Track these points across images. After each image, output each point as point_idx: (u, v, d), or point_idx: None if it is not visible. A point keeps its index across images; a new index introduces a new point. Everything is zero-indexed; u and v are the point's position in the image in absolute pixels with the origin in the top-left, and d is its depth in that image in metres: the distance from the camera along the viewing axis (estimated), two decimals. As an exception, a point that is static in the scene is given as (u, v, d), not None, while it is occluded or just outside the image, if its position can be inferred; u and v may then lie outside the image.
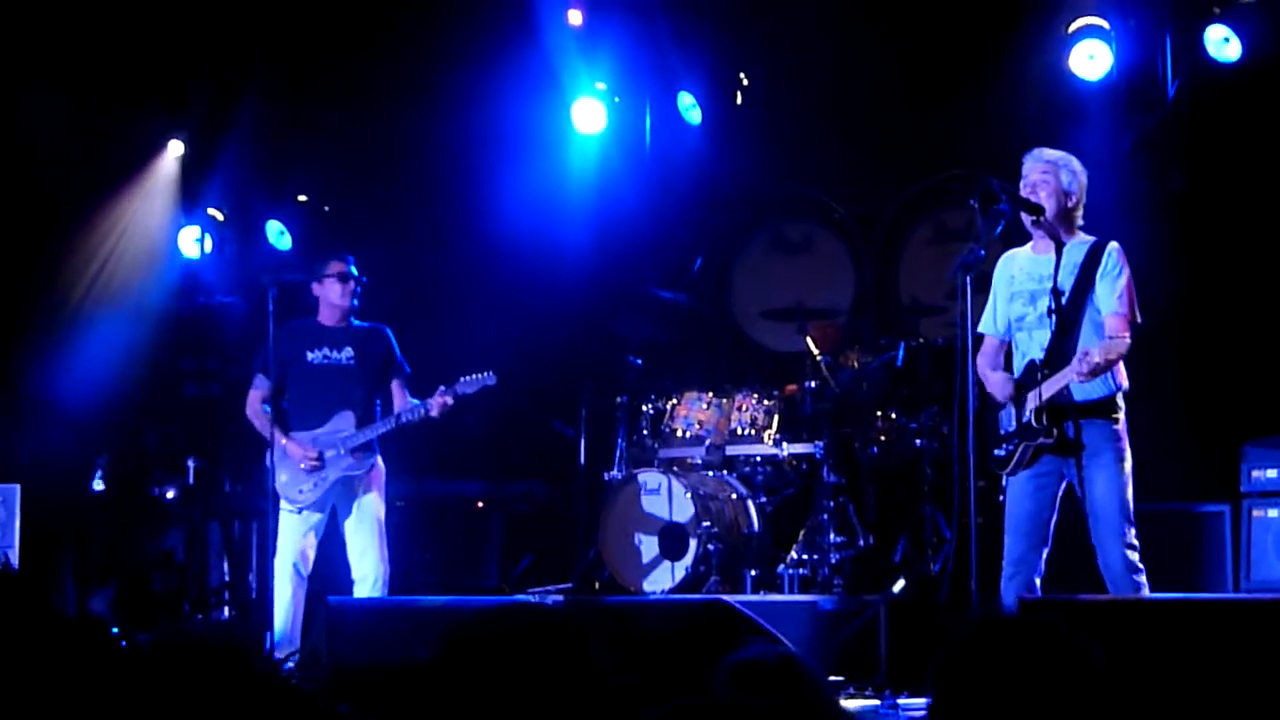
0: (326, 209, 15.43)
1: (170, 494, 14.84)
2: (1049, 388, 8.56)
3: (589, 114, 14.17)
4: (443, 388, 10.55)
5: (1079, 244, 8.78)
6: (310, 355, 10.77)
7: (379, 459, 10.77)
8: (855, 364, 12.47)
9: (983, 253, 8.68)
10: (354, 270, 10.87)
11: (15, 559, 13.69)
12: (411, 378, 10.77)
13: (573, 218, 14.34)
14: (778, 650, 3.79)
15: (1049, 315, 8.68)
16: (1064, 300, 8.64)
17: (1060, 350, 8.63)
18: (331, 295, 10.81)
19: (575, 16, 14.10)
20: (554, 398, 13.68)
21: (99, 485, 15.10)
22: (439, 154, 14.60)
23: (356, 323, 10.89)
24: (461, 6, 13.93)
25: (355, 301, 10.83)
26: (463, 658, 3.47)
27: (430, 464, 13.60)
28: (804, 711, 3.57)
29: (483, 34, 13.97)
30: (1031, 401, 8.63)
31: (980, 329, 9.01)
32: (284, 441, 10.69)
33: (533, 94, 14.24)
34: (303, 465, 10.56)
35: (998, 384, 8.90)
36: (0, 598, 2.59)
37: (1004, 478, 8.86)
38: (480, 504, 14.12)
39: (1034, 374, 8.66)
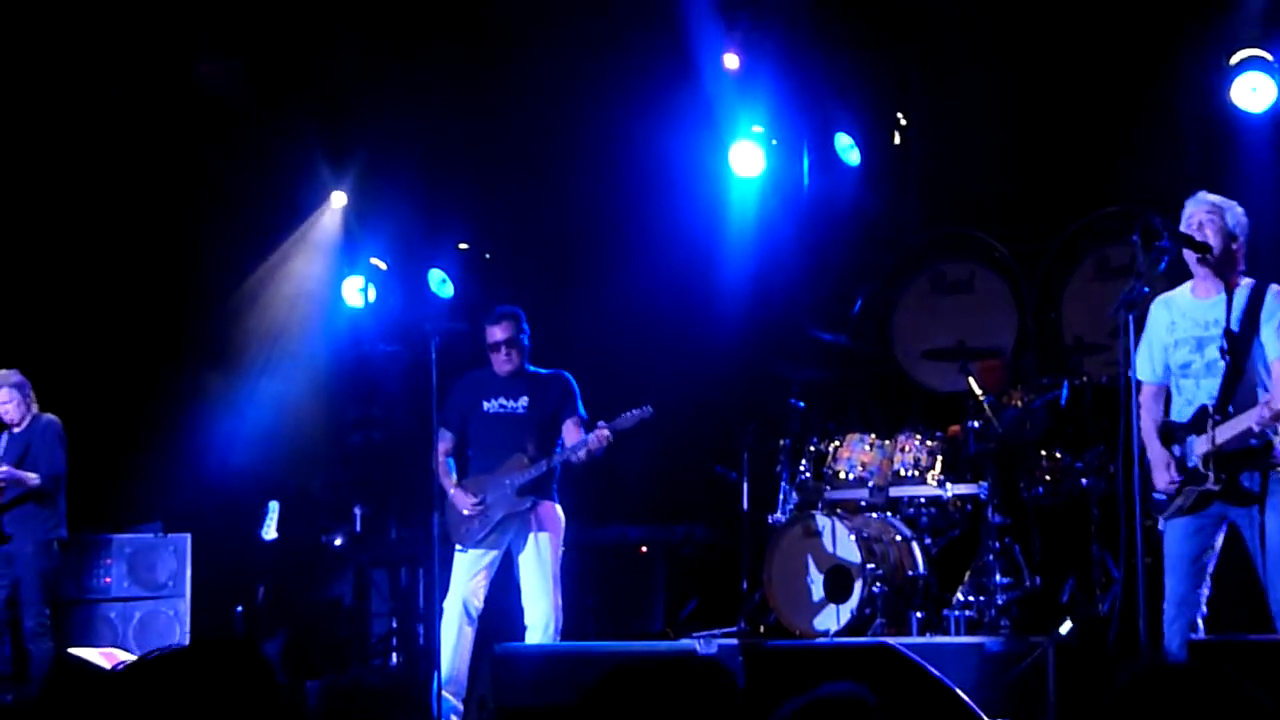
0: (488, 256, 15.55)
1: (338, 541, 14.99)
2: (1223, 434, 8.44)
3: (747, 157, 14.19)
4: (602, 423, 10.63)
5: (1243, 287, 8.66)
6: (486, 405, 10.97)
7: (552, 503, 10.86)
8: (1019, 403, 12.33)
9: (1146, 289, 8.57)
10: (514, 328, 10.98)
11: (188, 607, 13.92)
12: (588, 422, 10.84)
13: (732, 260, 14.34)
14: (848, 690, 3.75)
15: (1221, 359, 8.55)
16: (1234, 345, 8.52)
17: (1232, 396, 8.51)
18: (494, 361, 11.00)
19: (732, 60, 14.13)
20: (716, 441, 13.67)
21: (268, 533, 15.27)
22: (598, 198, 14.67)
23: (533, 369, 11.04)
24: (620, 52, 13.98)
25: (523, 360, 10.99)
26: (609, 703, 3.47)
27: (593, 509, 13.64)
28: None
29: (641, 79, 14.02)
30: (1201, 447, 8.51)
31: (1138, 375, 8.86)
32: (452, 490, 10.86)
33: (691, 137, 14.28)
34: (465, 511, 10.73)
35: (1158, 462, 8.75)
36: (232, 670, 2.62)
37: (1160, 520, 8.75)
38: (644, 549, 14.14)
39: (1204, 420, 8.54)
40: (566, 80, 14.19)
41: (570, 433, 10.89)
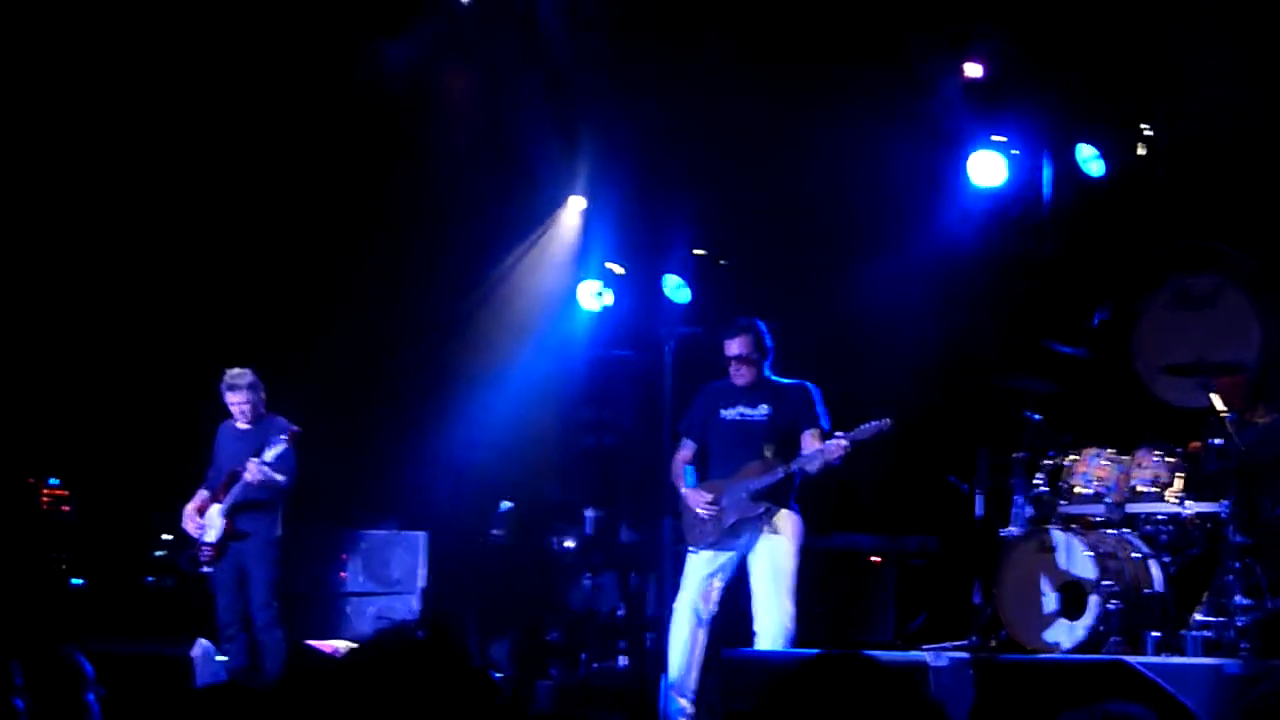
0: (723, 262, 15.56)
1: (568, 543, 15.08)
2: None
3: (987, 167, 14.06)
4: (839, 433, 10.59)
5: None
6: (725, 412, 11.04)
7: (787, 510, 10.84)
8: (1262, 420, 12.07)
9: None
10: (750, 344, 10.97)
11: (418, 603, 14.09)
12: (829, 432, 10.80)
13: (969, 270, 14.21)
14: (1139, 713, 3.67)
15: None
16: None
17: None
18: (732, 374, 11.01)
19: (974, 69, 14.01)
20: (950, 452, 13.55)
21: (501, 534, 15.42)
22: (833, 206, 14.61)
23: (776, 379, 11.05)
24: (856, 57, 13.93)
25: (761, 371, 10.99)
26: (783, 708, 3.44)
27: (825, 518, 13.59)
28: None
29: (880, 87, 13.96)
30: None
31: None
32: (685, 490, 10.89)
33: (929, 146, 14.18)
34: (700, 511, 10.74)
35: None
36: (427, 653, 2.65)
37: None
38: (875, 558, 14.05)
39: None
40: (803, 87, 14.16)
41: (809, 442, 10.86)
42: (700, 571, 10.84)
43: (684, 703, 10.61)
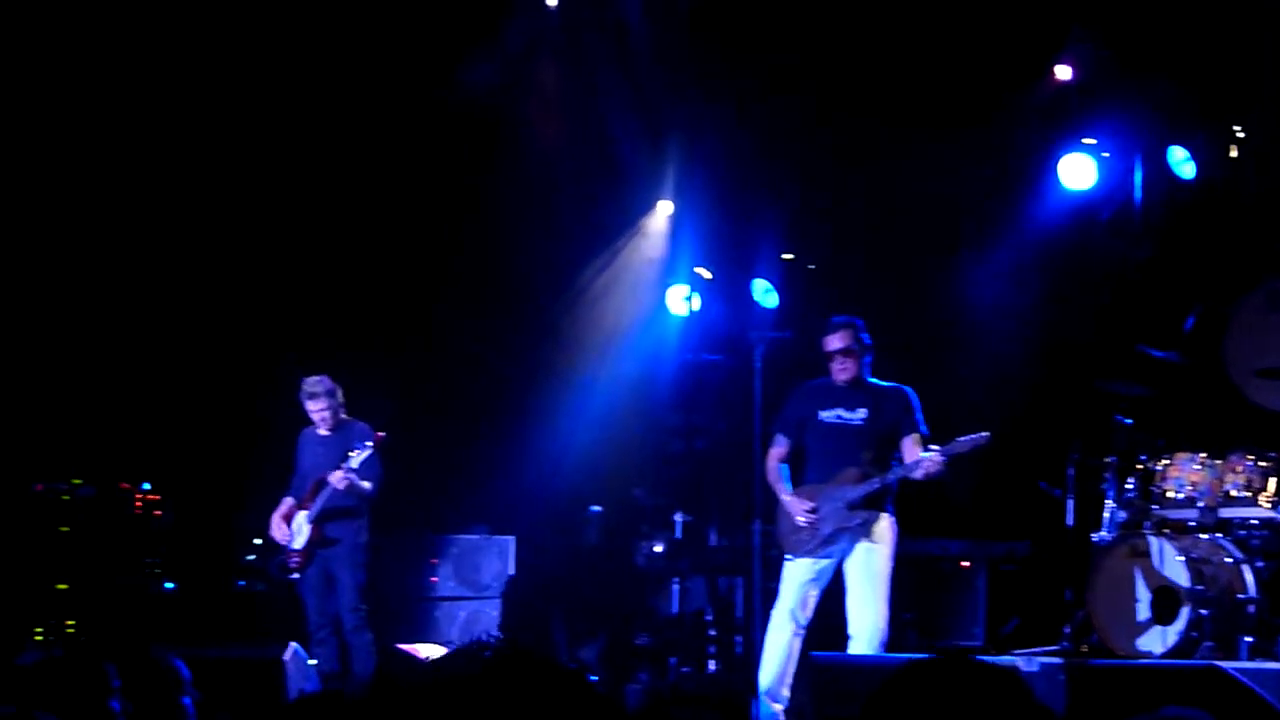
0: (811, 267, 15.54)
1: (658, 548, 15.07)
2: None
3: (1078, 170, 13.99)
4: (937, 447, 10.54)
5: None
6: (823, 414, 10.93)
7: (884, 516, 10.80)
8: (1358, 424, 11.97)
9: None
10: (850, 338, 10.92)
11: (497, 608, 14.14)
12: (928, 438, 10.75)
13: (1061, 274, 14.15)
14: (1195, 716, 3.64)
15: None
16: None
17: None
18: (832, 371, 10.93)
19: (1064, 71, 13.94)
20: (1041, 457, 13.48)
21: (590, 539, 15.45)
22: (924, 209, 14.58)
23: (874, 382, 10.98)
24: (949, 62, 13.90)
25: (861, 370, 10.91)
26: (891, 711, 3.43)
27: (916, 521, 13.55)
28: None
29: (970, 89, 13.91)
30: None
31: None
32: (785, 497, 10.85)
33: (1020, 150, 14.13)
34: (798, 520, 10.70)
35: None
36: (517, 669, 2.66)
37: None
38: (966, 563, 14.00)
39: None
40: (893, 89, 14.14)
41: (909, 449, 10.79)
42: (799, 580, 10.79)
43: (777, 708, 10.59)
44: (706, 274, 15.74)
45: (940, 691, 3.43)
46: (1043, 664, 10.40)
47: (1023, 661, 10.56)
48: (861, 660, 10.20)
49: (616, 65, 15.22)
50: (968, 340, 14.30)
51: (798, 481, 10.99)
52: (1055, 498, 12.96)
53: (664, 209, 16.11)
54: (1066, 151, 14.07)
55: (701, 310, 15.67)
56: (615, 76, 15.25)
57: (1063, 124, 14.16)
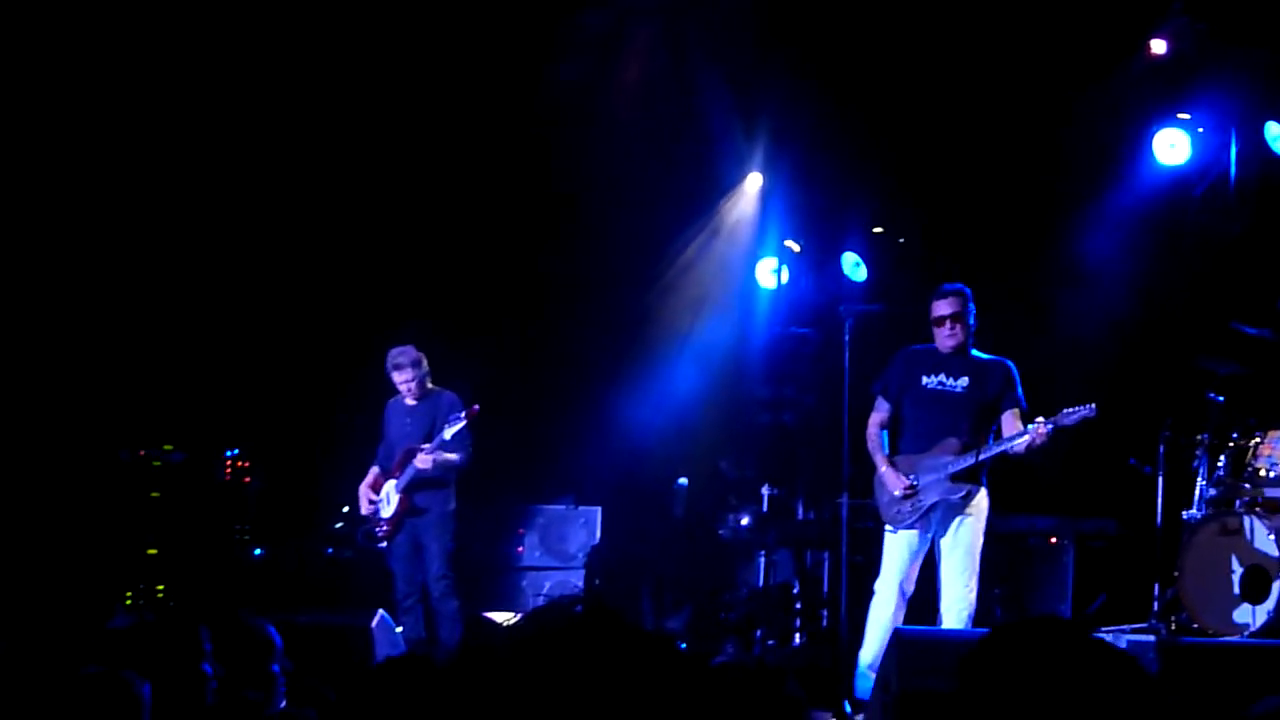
0: (901, 240, 15.48)
1: (745, 521, 15.07)
2: None
3: (1172, 145, 13.88)
4: (1042, 419, 10.44)
5: None
6: (926, 380, 10.83)
7: (982, 490, 10.73)
8: None
9: None
10: (960, 304, 10.82)
11: (580, 577, 14.17)
12: (1028, 413, 10.67)
13: (1154, 250, 14.04)
14: None
15: None
16: None
17: None
18: (938, 336, 10.84)
19: (1158, 46, 13.83)
20: (1132, 433, 13.39)
21: (677, 511, 15.46)
22: (1016, 184, 14.49)
23: (977, 354, 10.88)
24: (1041, 35, 13.80)
25: (968, 339, 10.82)
26: (983, 681, 3.40)
27: (1004, 497, 13.49)
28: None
29: (1063, 64, 13.82)
30: None
31: None
32: (883, 468, 10.79)
33: (1113, 124, 14.02)
34: (896, 492, 10.63)
35: None
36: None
37: None
38: (1054, 539, 13.92)
39: None
40: (985, 62, 14.06)
41: (1009, 423, 10.69)
42: (903, 552, 10.70)
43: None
44: (796, 247, 15.72)
45: (1039, 653, 3.41)
46: (1131, 641, 10.35)
47: (1111, 638, 10.49)
48: (948, 635, 10.16)
49: (707, 38, 15.18)
50: (1058, 316, 14.21)
51: (894, 449, 10.89)
52: (1146, 475, 12.87)
53: (754, 182, 16.09)
54: (1161, 126, 13.95)
55: (791, 283, 15.65)
56: (706, 49, 15.22)
57: (1158, 98, 14.03)
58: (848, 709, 10.47)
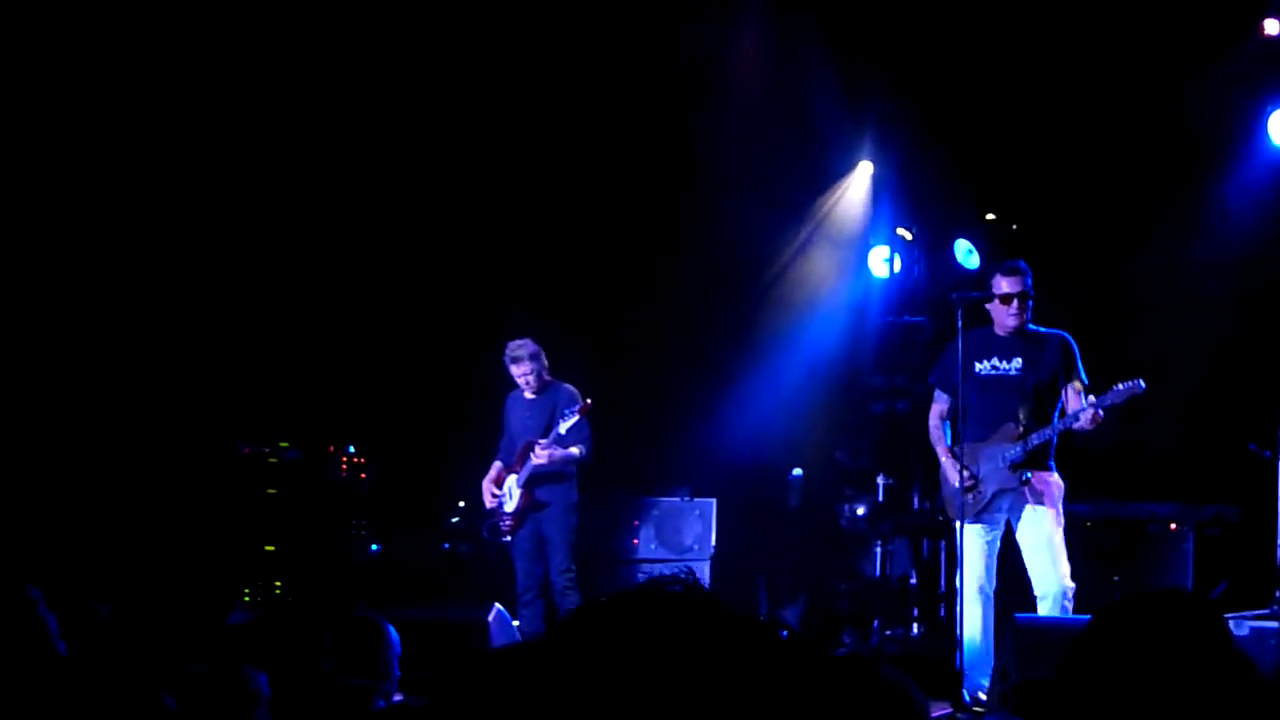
0: (1014, 228, 15.38)
1: (860, 510, 15.04)
2: None
3: (1287, 125, 13.76)
4: (1092, 398, 10.26)
5: None
6: (979, 366, 10.66)
7: (1050, 473, 10.55)
8: None
9: None
10: (1023, 283, 10.65)
11: (707, 571, 14.15)
12: (1089, 387, 10.48)
13: (1271, 230, 13.89)
14: None
15: None
16: None
17: None
18: (997, 314, 10.67)
19: (1272, 26, 13.67)
20: (1251, 418, 13.24)
21: (793, 501, 15.43)
22: (1129, 168, 14.37)
23: (1033, 328, 10.68)
24: (1153, 16, 13.69)
25: (1027, 315, 10.63)
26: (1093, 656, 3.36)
27: (1119, 484, 13.38)
28: None
29: (1176, 46, 13.69)
30: None
31: None
32: (944, 460, 10.69)
33: (1228, 106, 13.88)
34: (956, 484, 10.49)
35: None
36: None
37: None
38: (1173, 525, 13.79)
39: None
40: (1096, 47, 13.96)
41: (1072, 399, 10.47)
42: (977, 546, 10.56)
43: (979, 677, 10.44)
44: (908, 235, 15.65)
45: (1145, 627, 3.38)
46: (1253, 628, 10.24)
47: (1232, 624, 10.39)
48: (1065, 621, 10.07)
49: (815, 26, 15.14)
50: (1174, 299, 14.07)
51: (958, 439, 10.71)
52: (1265, 459, 12.73)
53: (864, 170, 16.03)
54: (1276, 107, 13.79)
55: (903, 272, 15.58)
56: (814, 37, 15.17)
57: (1272, 79, 13.87)
58: (966, 699, 10.40)
